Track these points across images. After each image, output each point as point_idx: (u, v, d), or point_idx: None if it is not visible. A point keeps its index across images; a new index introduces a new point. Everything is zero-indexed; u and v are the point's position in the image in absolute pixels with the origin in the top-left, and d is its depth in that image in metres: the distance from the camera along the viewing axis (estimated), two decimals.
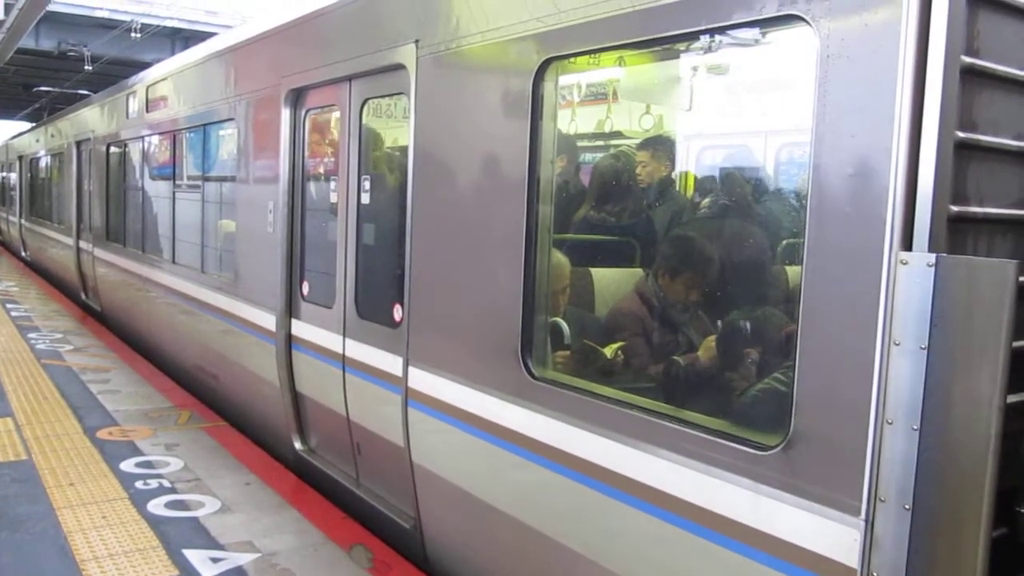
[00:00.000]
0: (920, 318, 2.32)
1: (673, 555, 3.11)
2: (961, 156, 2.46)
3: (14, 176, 23.76)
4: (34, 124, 25.87)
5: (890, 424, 2.39)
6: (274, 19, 6.57)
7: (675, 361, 3.53)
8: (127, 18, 28.13)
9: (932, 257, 2.30)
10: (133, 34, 27.67)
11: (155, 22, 28.12)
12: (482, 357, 4.02)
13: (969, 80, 2.46)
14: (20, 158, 22.26)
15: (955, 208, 2.45)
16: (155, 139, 10.02)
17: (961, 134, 2.44)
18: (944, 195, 2.39)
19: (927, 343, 2.31)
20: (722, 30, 2.96)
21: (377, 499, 5.24)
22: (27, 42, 23.73)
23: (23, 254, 21.84)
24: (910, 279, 2.34)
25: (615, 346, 3.79)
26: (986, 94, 2.55)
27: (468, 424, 4.08)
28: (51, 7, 19.07)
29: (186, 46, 22.59)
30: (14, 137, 26.23)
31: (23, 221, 21.59)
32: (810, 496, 2.60)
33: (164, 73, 9.49)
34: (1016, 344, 2.26)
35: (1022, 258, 2.46)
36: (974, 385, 2.25)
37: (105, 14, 28.54)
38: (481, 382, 4.00)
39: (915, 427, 2.34)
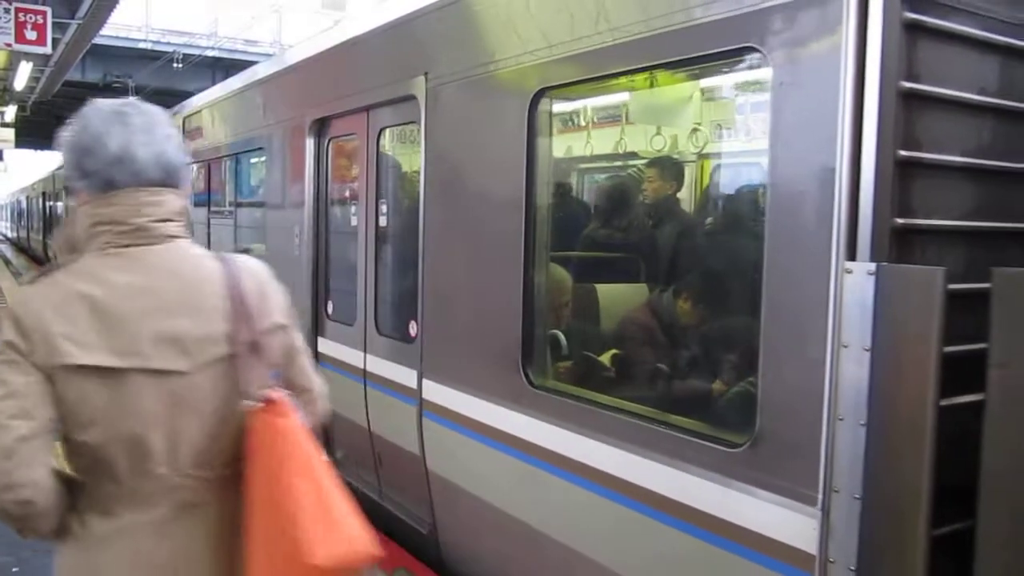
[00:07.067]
0: (863, 322, 2.53)
1: (657, 547, 3.33)
2: (905, 173, 2.67)
3: (60, 205, 24.52)
4: None
5: (841, 420, 2.60)
6: (299, 53, 6.92)
7: (661, 368, 3.75)
8: (169, 49, 29.07)
9: (872, 266, 2.51)
10: (175, 65, 28.61)
11: (196, 52, 28.99)
12: (487, 368, 4.28)
13: (910, 102, 2.67)
14: (65, 187, 22.99)
15: (900, 220, 2.66)
16: (193, 167, 10.46)
17: (904, 152, 2.65)
18: (885, 208, 2.60)
19: (870, 345, 2.52)
20: (692, 61, 3.21)
21: (398, 507, 5.50)
22: (73, 75, 24.63)
23: None
24: (854, 286, 2.55)
25: (608, 355, 4.02)
26: (931, 115, 2.76)
27: (475, 431, 4.32)
28: (96, 40, 19.81)
29: (227, 75, 23.21)
30: (60, 167, 27.00)
31: None
32: (774, 488, 2.81)
33: (199, 105, 9.93)
34: (969, 347, 2.47)
35: (979, 266, 2.66)
36: (912, 384, 2.45)
37: (148, 46, 29.52)
38: (486, 391, 4.25)
39: (862, 423, 2.54)
